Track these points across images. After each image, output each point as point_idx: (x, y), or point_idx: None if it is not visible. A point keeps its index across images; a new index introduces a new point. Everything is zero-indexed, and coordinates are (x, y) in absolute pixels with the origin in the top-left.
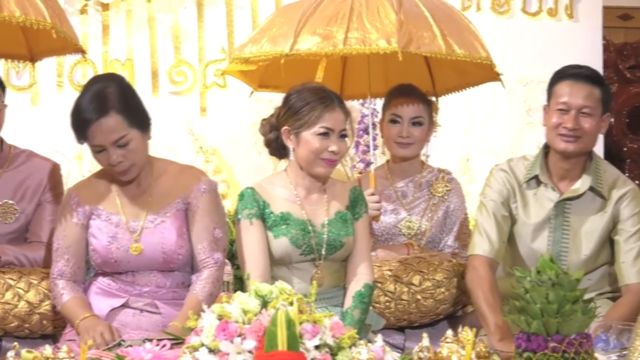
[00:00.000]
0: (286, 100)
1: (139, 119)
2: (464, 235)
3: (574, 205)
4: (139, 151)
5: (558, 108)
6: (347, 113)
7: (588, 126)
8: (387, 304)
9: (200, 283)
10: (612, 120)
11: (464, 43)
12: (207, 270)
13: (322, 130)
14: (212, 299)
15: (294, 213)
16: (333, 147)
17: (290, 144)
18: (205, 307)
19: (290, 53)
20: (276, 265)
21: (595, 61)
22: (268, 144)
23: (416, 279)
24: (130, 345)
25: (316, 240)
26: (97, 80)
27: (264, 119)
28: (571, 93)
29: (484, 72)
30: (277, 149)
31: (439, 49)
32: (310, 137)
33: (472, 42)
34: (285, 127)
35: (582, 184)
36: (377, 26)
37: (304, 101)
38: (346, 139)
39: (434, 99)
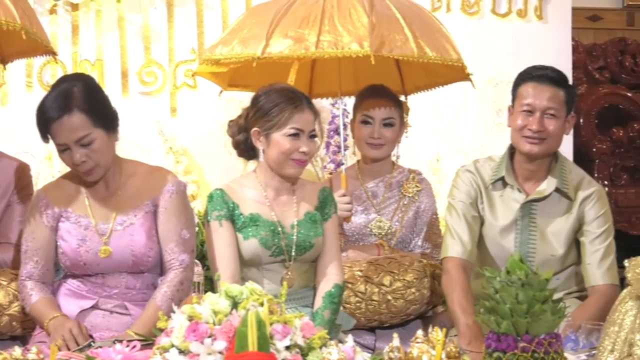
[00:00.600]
0: (254, 101)
1: (105, 119)
2: (434, 236)
3: (540, 206)
4: (104, 151)
5: (522, 110)
6: (316, 113)
7: (552, 128)
8: (358, 304)
9: (162, 288)
10: (581, 120)
11: (436, 45)
12: (172, 272)
13: (292, 131)
14: (173, 303)
15: (263, 214)
16: (304, 148)
17: (260, 145)
18: (161, 314)
19: (262, 56)
20: (246, 266)
21: (564, 62)
22: (237, 145)
23: (387, 280)
24: (100, 347)
25: (286, 242)
26: (64, 79)
27: (231, 121)
28: (535, 95)
29: (454, 72)
30: (246, 150)
31: (411, 52)
32: (280, 138)
33: (444, 44)
34: (255, 129)
35: (547, 185)
36: (349, 29)
37: (273, 102)
38: (316, 139)
39: (403, 97)
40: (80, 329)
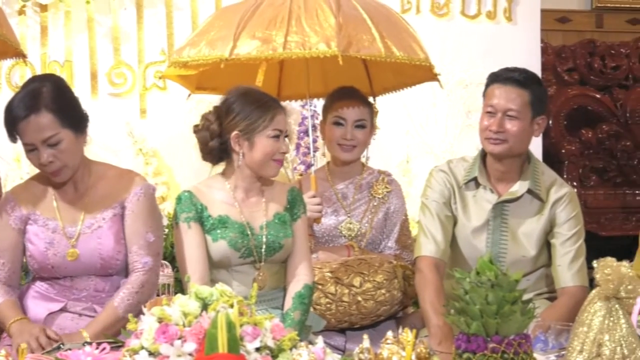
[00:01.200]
0: (229, 106)
1: (73, 119)
2: (404, 237)
3: (512, 207)
4: (72, 152)
5: (487, 111)
6: (287, 113)
7: (515, 129)
8: (328, 305)
9: (123, 292)
10: (551, 122)
11: (403, 45)
12: (134, 274)
13: (274, 132)
14: (132, 308)
15: (232, 216)
16: (284, 148)
17: (240, 148)
18: (130, 316)
19: (230, 57)
20: (215, 268)
21: (533, 63)
22: (210, 150)
23: (357, 281)
24: (70, 349)
25: (255, 243)
26: (34, 79)
27: (196, 126)
28: (498, 96)
29: (421, 72)
30: (218, 155)
31: (379, 52)
32: (264, 140)
33: (411, 44)
34: (235, 132)
35: (520, 186)
36: (317, 29)
37: (252, 106)
38: (287, 138)
39: (371, 99)
40: (48, 335)
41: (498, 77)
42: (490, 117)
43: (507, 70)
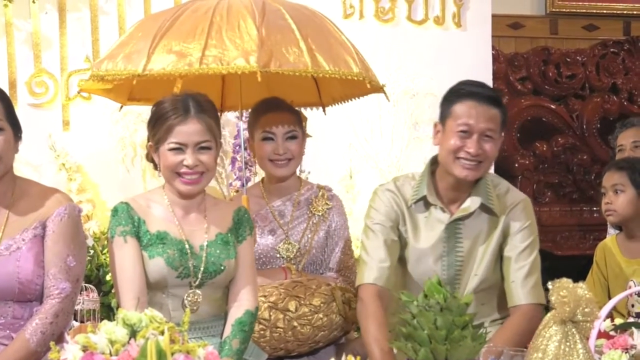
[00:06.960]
0: (150, 116)
1: (15, 120)
2: (346, 257)
3: (465, 225)
4: (9, 147)
5: (459, 130)
6: (205, 123)
7: (492, 150)
8: (262, 332)
9: (36, 323)
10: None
11: (334, 58)
12: (49, 301)
13: (172, 145)
14: (46, 340)
15: (171, 232)
16: (187, 161)
17: (156, 160)
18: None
19: (143, 74)
20: (151, 290)
21: (484, 72)
22: (155, 167)
23: (292, 305)
24: None
25: (194, 263)
26: None
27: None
28: (472, 115)
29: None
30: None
31: (305, 66)
32: (165, 153)
33: (344, 57)
34: (149, 143)
35: (472, 202)
36: (237, 42)
37: (158, 114)
38: (210, 150)
39: (321, 109)
40: None
41: (468, 93)
42: (464, 137)
43: (473, 84)
